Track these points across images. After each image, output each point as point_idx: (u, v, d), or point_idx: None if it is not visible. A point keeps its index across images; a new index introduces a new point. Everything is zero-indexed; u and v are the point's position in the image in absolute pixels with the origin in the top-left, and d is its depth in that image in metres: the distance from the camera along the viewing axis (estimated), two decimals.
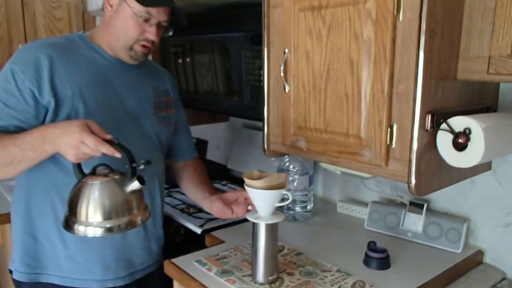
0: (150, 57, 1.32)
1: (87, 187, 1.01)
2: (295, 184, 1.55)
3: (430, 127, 0.95)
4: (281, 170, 1.57)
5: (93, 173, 1.04)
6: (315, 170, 1.70)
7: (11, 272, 1.26)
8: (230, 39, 1.52)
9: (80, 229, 1.00)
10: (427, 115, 0.94)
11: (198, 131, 2.09)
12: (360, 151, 1.05)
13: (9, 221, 1.32)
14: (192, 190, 1.42)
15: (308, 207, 1.58)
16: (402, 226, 1.39)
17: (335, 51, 1.06)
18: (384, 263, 1.20)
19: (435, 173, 1.01)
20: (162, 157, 1.37)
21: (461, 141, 0.93)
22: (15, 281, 1.25)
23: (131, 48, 1.20)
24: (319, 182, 1.78)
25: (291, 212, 1.55)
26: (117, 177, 1.03)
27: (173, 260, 1.24)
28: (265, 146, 1.32)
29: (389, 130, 0.99)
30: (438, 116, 0.95)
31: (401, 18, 0.94)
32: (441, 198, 1.39)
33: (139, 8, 1.15)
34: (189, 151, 1.49)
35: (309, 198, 1.57)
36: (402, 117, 0.97)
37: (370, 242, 1.25)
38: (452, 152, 0.95)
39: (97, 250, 1.22)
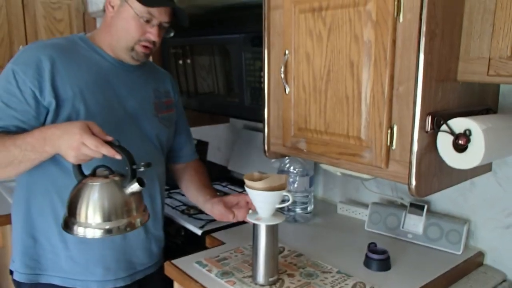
0: (150, 58, 1.32)
1: (87, 188, 1.01)
2: (295, 185, 1.55)
3: (431, 129, 0.95)
4: (281, 171, 1.58)
5: (93, 174, 1.04)
6: (316, 172, 1.70)
7: (11, 273, 1.27)
8: (230, 41, 1.53)
9: (79, 230, 1.00)
10: (428, 117, 0.94)
11: (199, 132, 2.09)
12: (361, 153, 1.05)
13: (9, 222, 1.32)
14: (193, 193, 1.42)
15: (309, 209, 1.58)
16: (403, 227, 1.39)
17: (336, 53, 1.06)
18: (384, 264, 1.20)
19: (435, 174, 1.01)
20: (162, 158, 1.37)
21: (461, 143, 0.93)
22: (15, 281, 1.25)
23: (132, 49, 1.20)
24: (319, 183, 1.78)
25: (292, 213, 1.55)
26: (117, 178, 1.03)
27: (173, 261, 1.24)
28: (266, 148, 1.32)
29: (389, 131, 0.99)
30: (438, 117, 0.95)
31: (401, 20, 0.94)
32: (442, 200, 1.39)
33: (141, 8, 1.15)
34: (189, 153, 1.50)
35: (309, 200, 1.57)
36: (402, 119, 0.97)
37: (370, 243, 1.25)
38: (453, 154, 0.95)
39: (98, 251, 1.22)
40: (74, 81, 1.15)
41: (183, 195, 1.58)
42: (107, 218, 1.00)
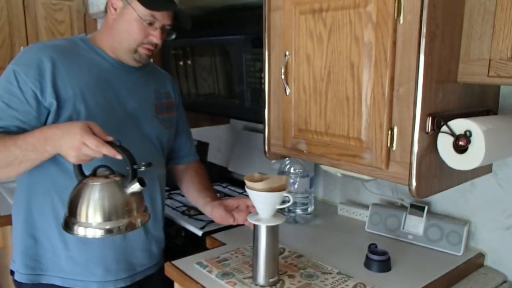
0: (151, 59, 1.33)
1: (87, 188, 1.01)
2: (295, 186, 1.55)
3: (431, 130, 0.95)
4: (281, 172, 1.58)
5: (94, 174, 1.04)
6: (316, 173, 1.70)
7: (12, 273, 1.27)
8: (231, 42, 1.53)
9: (79, 230, 1.00)
10: (428, 118, 0.95)
11: (199, 133, 2.09)
12: (361, 154, 1.05)
13: (10, 223, 1.32)
14: (193, 194, 1.42)
15: (309, 210, 1.58)
16: (403, 228, 1.39)
17: (336, 54, 1.06)
18: (384, 265, 1.20)
19: (435, 175, 1.01)
20: (163, 159, 1.37)
21: (461, 144, 0.93)
22: (16, 282, 1.25)
23: (135, 51, 1.21)
24: (319, 184, 1.78)
25: (292, 214, 1.55)
26: (117, 178, 1.03)
27: (174, 262, 1.24)
28: (266, 149, 1.32)
29: (389, 132, 0.99)
30: (438, 118, 0.95)
31: (401, 21, 0.94)
32: (442, 201, 1.39)
33: (144, 11, 1.16)
34: (190, 154, 1.50)
35: (309, 201, 1.57)
36: (402, 120, 0.97)
37: (370, 244, 1.25)
38: (453, 155, 0.95)
39: (98, 251, 1.22)
40: (75, 82, 1.15)
41: (183, 196, 1.58)
42: (107, 218, 1.00)
